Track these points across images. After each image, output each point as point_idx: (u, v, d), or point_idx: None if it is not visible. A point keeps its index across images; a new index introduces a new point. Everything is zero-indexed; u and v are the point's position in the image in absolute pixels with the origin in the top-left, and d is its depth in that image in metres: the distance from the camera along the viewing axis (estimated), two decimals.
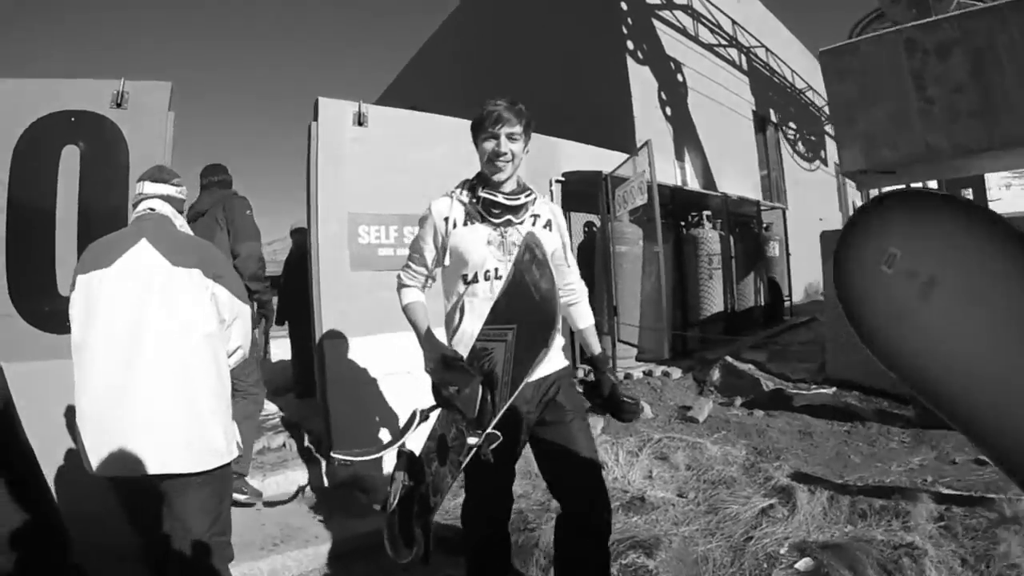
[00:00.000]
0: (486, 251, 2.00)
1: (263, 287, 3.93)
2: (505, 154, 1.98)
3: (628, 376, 6.10)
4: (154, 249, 2.05)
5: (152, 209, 2.22)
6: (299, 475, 4.03)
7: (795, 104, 14.18)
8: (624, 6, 8.77)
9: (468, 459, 1.70)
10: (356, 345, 4.16)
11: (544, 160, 5.64)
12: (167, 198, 2.28)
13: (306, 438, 4.52)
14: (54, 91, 3.54)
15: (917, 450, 3.89)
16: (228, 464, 2.13)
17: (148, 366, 1.94)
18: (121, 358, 1.93)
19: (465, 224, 2.04)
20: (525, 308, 1.67)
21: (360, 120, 4.32)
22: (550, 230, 2.14)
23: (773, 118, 12.93)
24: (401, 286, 2.22)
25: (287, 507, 3.70)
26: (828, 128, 15.53)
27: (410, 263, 2.21)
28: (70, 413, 2.08)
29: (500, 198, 2.01)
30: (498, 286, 1.93)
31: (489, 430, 1.67)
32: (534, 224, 2.09)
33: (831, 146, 15.41)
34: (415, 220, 4.47)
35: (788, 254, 9.92)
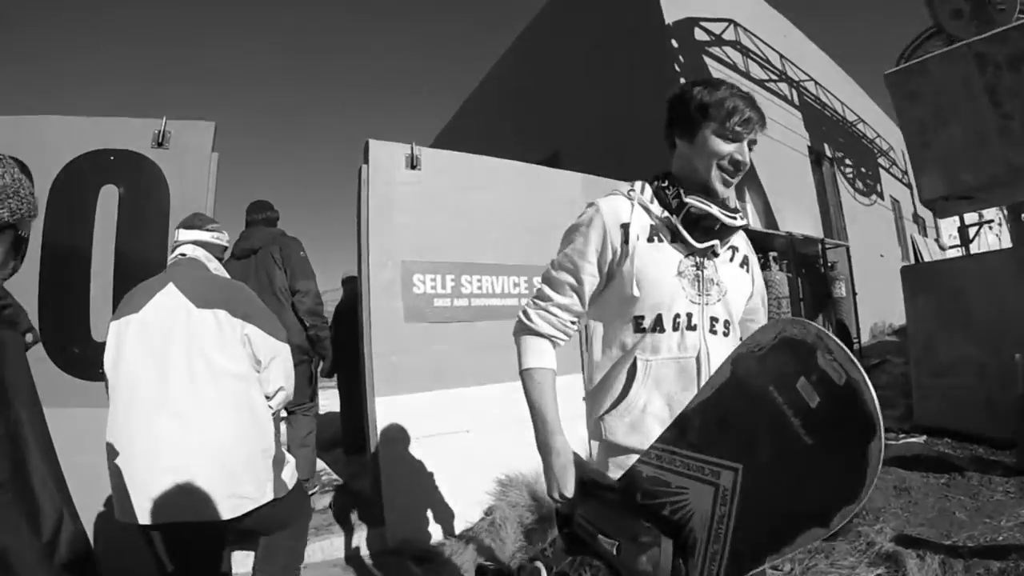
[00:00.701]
0: (676, 285, 1.42)
1: (320, 323, 4.05)
2: (745, 166, 1.44)
3: None
4: (179, 292, 2.05)
5: (184, 254, 2.23)
6: (344, 541, 3.76)
7: (848, 137, 13.79)
8: (675, 43, 8.63)
9: None
10: (409, 402, 3.90)
11: None
12: (201, 243, 2.28)
13: (354, 500, 4.27)
14: (93, 129, 3.47)
15: None
16: (267, 505, 2.05)
17: (172, 410, 1.92)
18: (146, 401, 1.92)
19: (651, 240, 1.45)
20: (770, 446, 0.96)
21: (413, 163, 4.13)
22: (746, 271, 1.59)
23: (828, 153, 12.55)
24: (526, 331, 1.52)
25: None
26: (882, 161, 15.10)
27: (551, 294, 1.52)
28: (98, 460, 1.98)
29: (715, 210, 1.41)
30: (691, 340, 1.42)
31: None
32: (731, 259, 1.55)
33: (887, 180, 14.96)
34: (473, 269, 4.37)
35: (854, 293, 9.44)
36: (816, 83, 12.53)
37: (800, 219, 10.17)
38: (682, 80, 8.41)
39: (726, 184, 1.45)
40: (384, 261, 3.95)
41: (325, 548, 3.67)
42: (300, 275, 3.96)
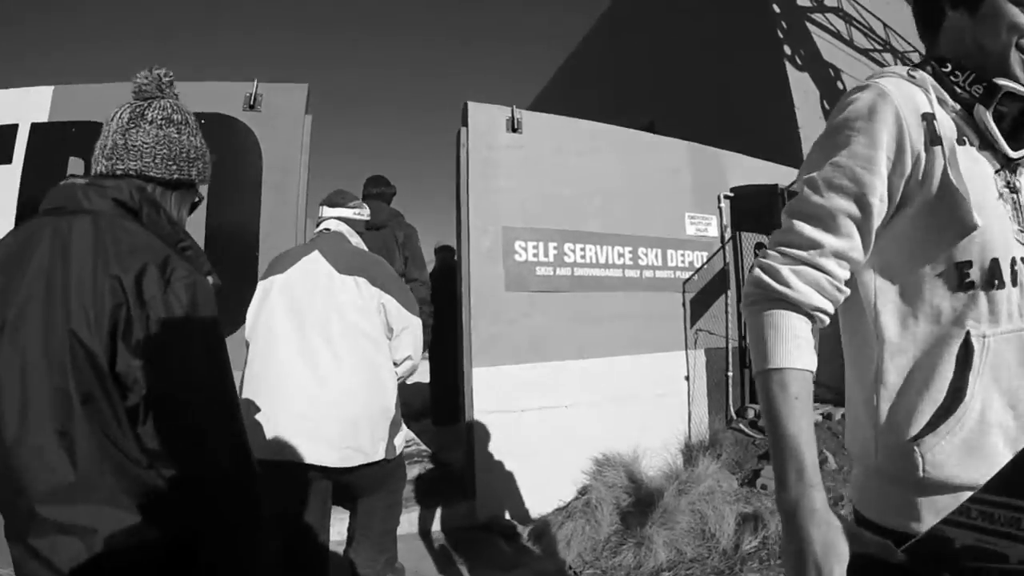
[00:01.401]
0: (1004, 213, 0.88)
1: (430, 311, 4.06)
2: None
3: None
4: (324, 259, 2.21)
5: (328, 229, 2.39)
6: (433, 513, 3.69)
7: None
8: (776, 8, 8.17)
9: None
10: (507, 373, 3.80)
11: (710, 173, 5.05)
12: (342, 219, 2.43)
13: (444, 472, 4.22)
14: (182, 93, 3.42)
15: None
16: (378, 463, 2.14)
17: (305, 360, 2.07)
18: (282, 350, 2.08)
19: (960, 143, 0.89)
20: None
21: (515, 126, 3.98)
22: None
23: None
24: (776, 300, 0.89)
25: (418, 550, 3.35)
26: None
27: (815, 234, 0.90)
28: None
29: None
30: None
31: None
32: None
33: None
34: (577, 237, 4.18)
35: None
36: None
37: None
38: (786, 48, 7.96)
39: None
40: (485, 227, 3.84)
41: (412, 520, 3.60)
42: (418, 264, 4.07)
